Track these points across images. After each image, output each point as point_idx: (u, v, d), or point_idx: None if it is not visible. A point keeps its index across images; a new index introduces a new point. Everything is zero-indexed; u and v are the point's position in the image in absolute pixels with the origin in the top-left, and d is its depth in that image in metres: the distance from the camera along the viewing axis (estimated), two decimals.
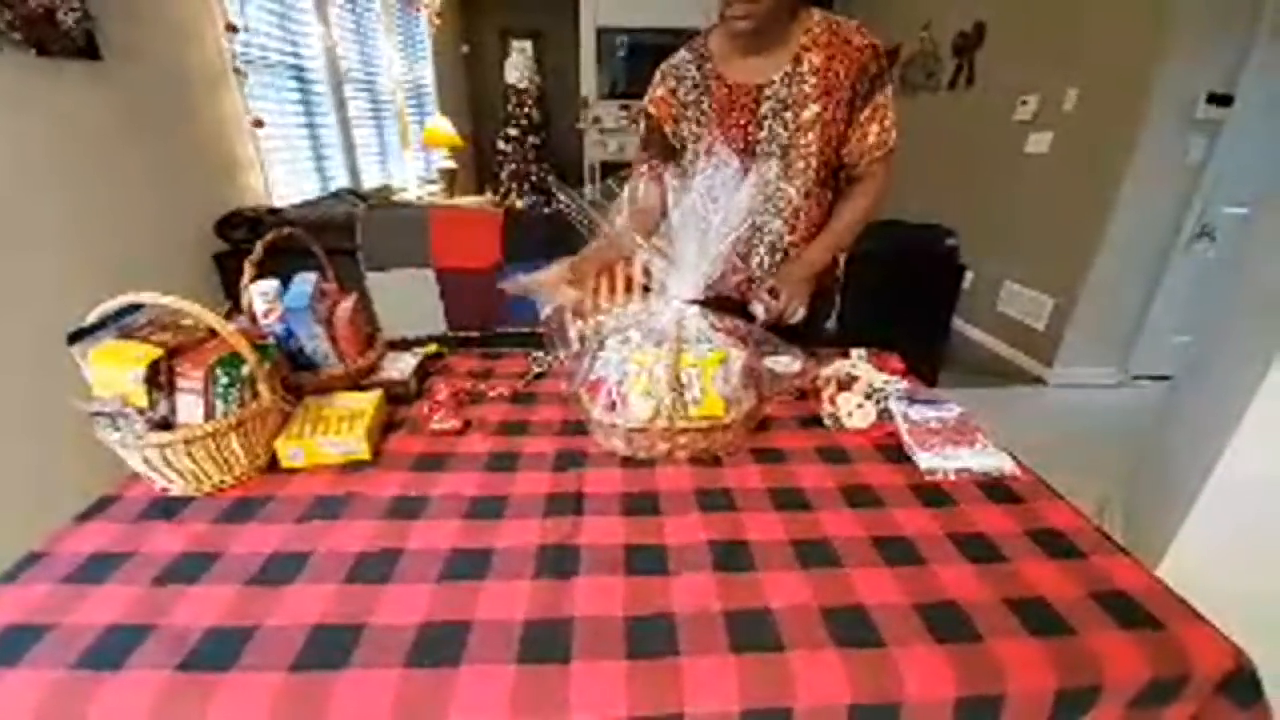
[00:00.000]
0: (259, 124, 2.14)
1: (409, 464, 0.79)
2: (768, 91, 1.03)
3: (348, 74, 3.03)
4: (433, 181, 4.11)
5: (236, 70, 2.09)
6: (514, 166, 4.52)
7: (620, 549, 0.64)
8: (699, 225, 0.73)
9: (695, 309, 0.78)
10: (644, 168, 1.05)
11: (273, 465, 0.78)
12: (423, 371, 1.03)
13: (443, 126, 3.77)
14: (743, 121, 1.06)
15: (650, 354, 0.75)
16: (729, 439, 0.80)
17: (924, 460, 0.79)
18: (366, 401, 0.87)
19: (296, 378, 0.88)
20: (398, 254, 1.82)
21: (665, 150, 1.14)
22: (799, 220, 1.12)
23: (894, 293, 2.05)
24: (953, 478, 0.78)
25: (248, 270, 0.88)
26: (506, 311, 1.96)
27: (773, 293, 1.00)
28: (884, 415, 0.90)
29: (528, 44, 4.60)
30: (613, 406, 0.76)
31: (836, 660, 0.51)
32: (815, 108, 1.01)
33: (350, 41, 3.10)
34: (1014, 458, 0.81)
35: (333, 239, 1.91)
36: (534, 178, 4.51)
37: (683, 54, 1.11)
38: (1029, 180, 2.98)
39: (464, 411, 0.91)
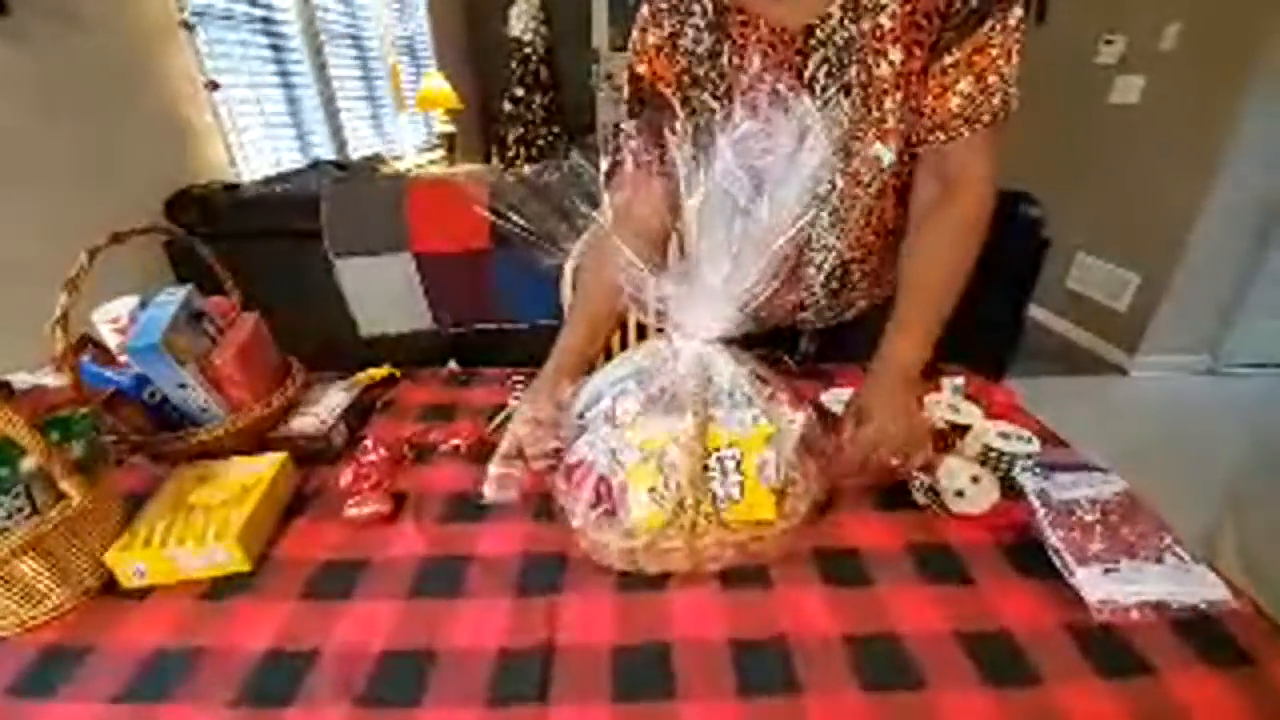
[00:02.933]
0: (213, 86, 1.86)
1: (303, 581, 0.54)
2: (820, 33, 0.67)
3: (328, 26, 2.71)
4: (433, 148, 3.80)
5: (184, 24, 1.80)
6: (521, 130, 4.16)
7: None
8: (731, 216, 0.44)
9: (726, 353, 0.49)
10: (629, 167, 0.67)
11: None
12: (359, 410, 0.77)
13: (440, 86, 3.43)
14: (782, 82, 0.68)
15: (659, 429, 0.47)
16: (779, 545, 0.52)
17: (1088, 584, 0.51)
18: (260, 472, 0.62)
19: (162, 442, 0.63)
20: (369, 236, 1.56)
21: (660, 135, 0.62)
22: (866, 230, 0.77)
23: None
24: (1135, 615, 0.49)
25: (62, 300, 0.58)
26: (501, 303, 1.69)
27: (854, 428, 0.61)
28: (1007, 488, 0.61)
29: None
30: (602, 507, 0.49)
31: None
32: (896, 55, 0.66)
33: None
34: (1225, 580, 0.52)
35: (299, 220, 1.65)
36: (542, 142, 4.16)
37: None
38: (1113, 135, 2.54)
39: (402, 478, 0.66)
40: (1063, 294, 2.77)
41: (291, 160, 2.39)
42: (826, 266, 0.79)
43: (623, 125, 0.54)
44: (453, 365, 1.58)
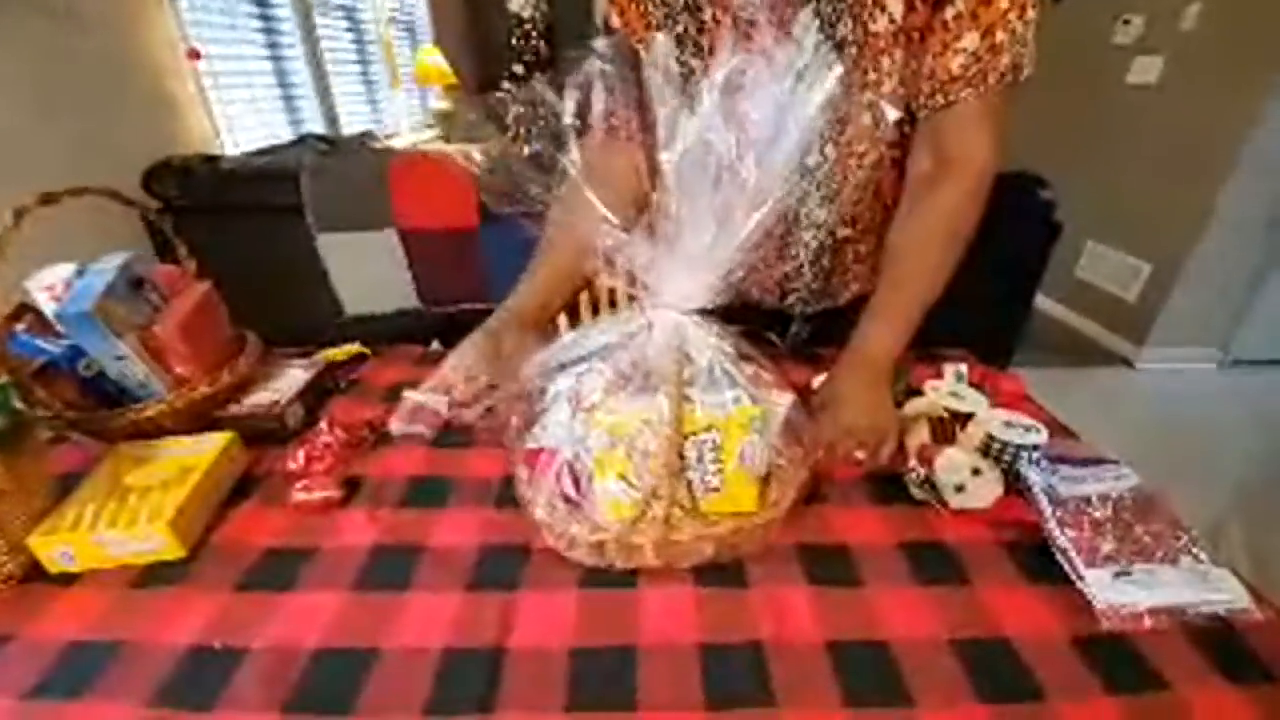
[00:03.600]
0: (195, 55, 1.79)
1: (242, 570, 0.49)
2: None
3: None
4: (429, 126, 3.72)
5: None
6: (520, 109, 4.06)
7: None
8: (715, 173, 0.39)
9: (706, 326, 0.44)
10: (601, 121, 0.59)
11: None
12: (320, 389, 0.72)
13: (436, 61, 3.34)
14: (769, 40, 0.61)
15: (631, 410, 0.42)
16: (761, 538, 0.48)
17: (1098, 588, 0.46)
18: (203, 453, 0.57)
19: (97, 419, 0.58)
20: (351, 212, 1.50)
21: (635, 92, 0.57)
22: (859, 205, 0.72)
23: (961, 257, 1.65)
24: (1148, 623, 0.45)
25: None
26: (491, 282, 1.64)
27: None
28: (1011, 482, 0.56)
29: None
30: (569, 499, 0.44)
31: None
32: (896, 8, 0.59)
33: None
34: (1248, 587, 0.47)
35: (281, 194, 1.59)
36: (543, 121, 4.06)
37: None
38: (1127, 117, 2.46)
39: (359, 461, 0.61)
40: (1070, 282, 2.70)
41: (281, 135, 2.32)
42: (814, 244, 0.74)
43: (595, 47, 0.46)
44: (435, 346, 1.53)
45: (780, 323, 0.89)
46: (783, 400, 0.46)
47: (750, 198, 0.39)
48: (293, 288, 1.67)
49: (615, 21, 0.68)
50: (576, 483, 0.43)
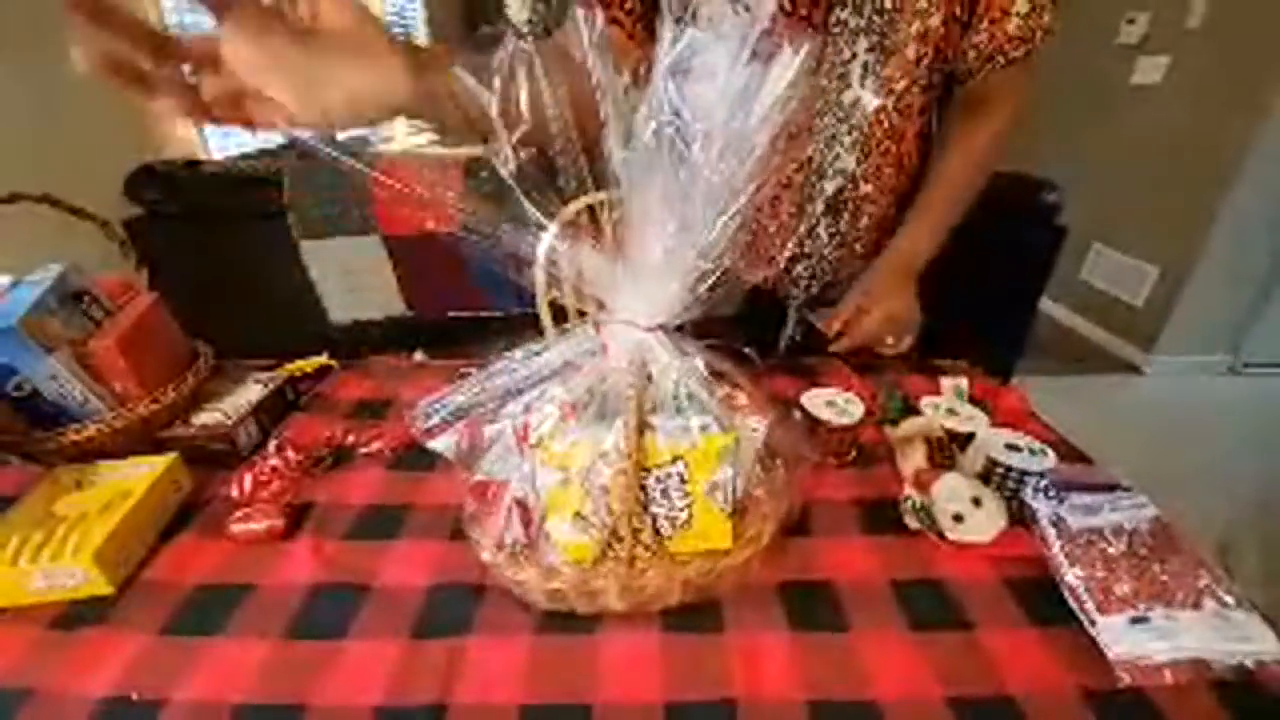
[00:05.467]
0: None
1: (170, 610, 0.45)
2: None
3: None
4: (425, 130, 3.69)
5: None
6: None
7: None
8: (673, 167, 0.34)
9: (669, 343, 0.39)
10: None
11: None
12: (279, 406, 0.68)
13: None
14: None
15: (584, 442, 0.37)
16: (736, 579, 0.43)
17: (1111, 636, 0.41)
18: (140, 478, 0.53)
19: (30, 442, 0.54)
20: (334, 217, 1.46)
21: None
22: (885, 157, 0.71)
23: (964, 260, 1.59)
24: (1169, 678, 0.40)
25: None
26: (479, 290, 1.59)
27: (856, 312, 0.66)
28: (1015, 512, 0.51)
29: None
30: (517, 539, 0.40)
31: None
32: None
33: None
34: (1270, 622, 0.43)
35: (263, 199, 1.55)
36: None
37: None
38: (1133, 117, 2.41)
39: (311, 486, 0.57)
40: (1076, 286, 2.64)
41: (276, 139, 2.29)
42: (830, 190, 0.72)
43: None
44: (419, 356, 1.49)
45: (774, 324, 0.85)
46: (759, 424, 0.42)
47: (714, 194, 0.34)
48: (278, 295, 1.64)
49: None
50: (528, 523, 0.38)
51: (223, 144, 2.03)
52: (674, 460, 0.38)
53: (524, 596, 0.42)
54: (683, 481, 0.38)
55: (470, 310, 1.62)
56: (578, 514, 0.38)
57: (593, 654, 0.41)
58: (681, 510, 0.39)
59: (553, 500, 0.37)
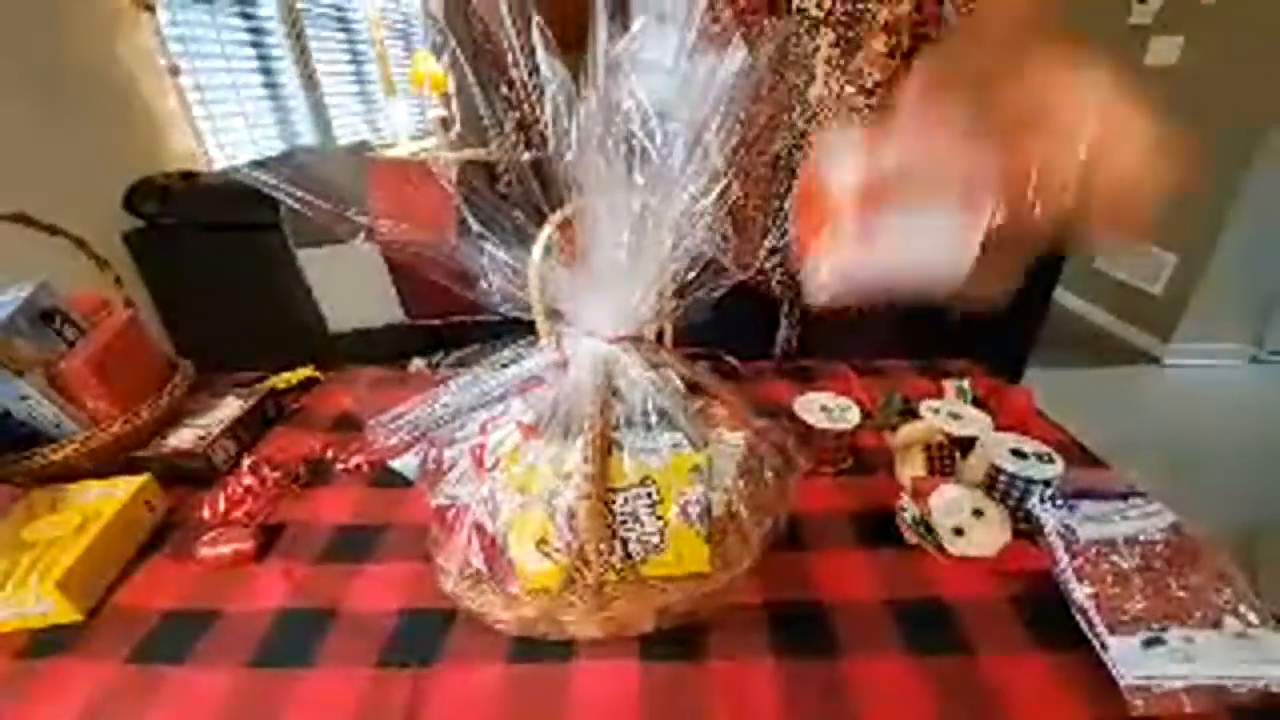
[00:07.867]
0: (175, 71, 1.76)
1: (137, 638, 0.44)
2: None
3: (309, 4, 2.59)
4: (431, 134, 3.68)
5: (145, 5, 1.70)
6: (518, 114, 4.02)
7: None
8: (620, 169, 0.31)
9: (636, 354, 0.37)
10: None
11: None
12: (259, 421, 0.67)
13: (432, 65, 3.31)
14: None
15: (546, 463, 0.35)
16: (719, 599, 0.41)
17: (1123, 659, 0.38)
18: (110, 500, 0.52)
19: (5, 464, 0.53)
20: (331, 225, 1.45)
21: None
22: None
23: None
24: (1188, 706, 0.37)
25: None
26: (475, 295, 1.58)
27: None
28: (1020, 522, 0.48)
29: None
30: (478, 566, 0.38)
31: None
32: None
33: None
34: None
35: (260, 209, 1.55)
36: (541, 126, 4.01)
37: None
38: (1146, 100, 2.33)
39: (286, 506, 0.55)
40: (1091, 276, 2.58)
41: (272, 148, 2.30)
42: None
43: None
44: (417, 363, 1.48)
45: (767, 327, 0.82)
46: (739, 439, 0.39)
47: (672, 193, 0.32)
48: (278, 305, 1.64)
49: None
50: (489, 550, 0.36)
51: (230, 152, 2.03)
52: (642, 482, 0.36)
53: (493, 624, 0.40)
54: (652, 503, 0.36)
55: (470, 315, 1.61)
56: (541, 540, 0.35)
57: (566, 684, 0.38)
58: (653, 534, 0.37)
59: (515, 527, 0.35)
